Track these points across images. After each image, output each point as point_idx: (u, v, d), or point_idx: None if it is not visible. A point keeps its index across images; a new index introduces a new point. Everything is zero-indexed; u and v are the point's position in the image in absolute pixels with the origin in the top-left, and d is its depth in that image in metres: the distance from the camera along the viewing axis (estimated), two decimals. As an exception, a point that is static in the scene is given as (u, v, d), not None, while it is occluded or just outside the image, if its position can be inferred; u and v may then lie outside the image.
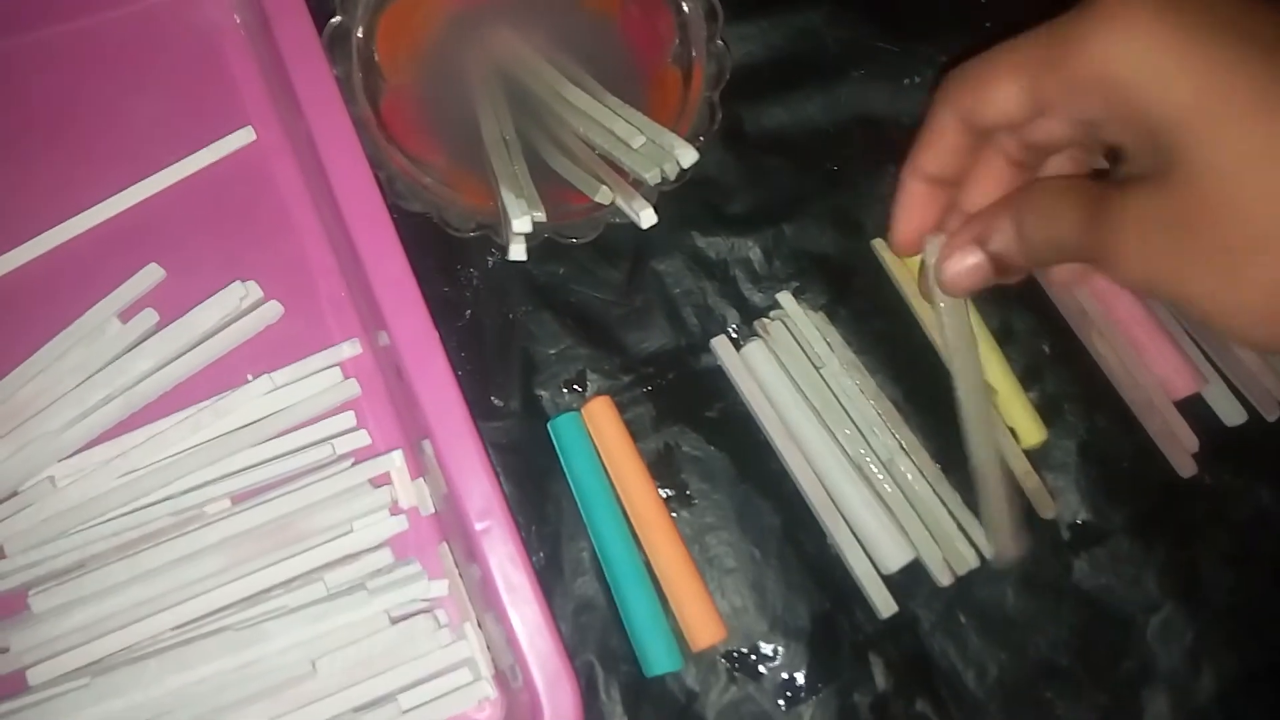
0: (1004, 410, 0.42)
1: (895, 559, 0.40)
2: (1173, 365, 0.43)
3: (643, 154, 0.39)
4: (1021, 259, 0.31)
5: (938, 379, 0.43)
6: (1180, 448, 0.43)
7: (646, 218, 0.38)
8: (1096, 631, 0.41)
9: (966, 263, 0.32)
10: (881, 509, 0.40)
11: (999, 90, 0.30)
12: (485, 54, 0.43)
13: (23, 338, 0.40)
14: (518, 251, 0.38)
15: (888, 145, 0.46)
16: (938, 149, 0.33)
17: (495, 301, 0.43)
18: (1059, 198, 0.29)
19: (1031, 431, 0.42)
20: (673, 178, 0.39)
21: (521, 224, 0.37)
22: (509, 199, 0.37)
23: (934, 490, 0.40)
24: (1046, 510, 0.42)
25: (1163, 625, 0.41)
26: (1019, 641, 0.40)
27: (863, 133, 0.46)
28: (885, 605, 0.40)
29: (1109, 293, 0.43)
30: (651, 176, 0.38)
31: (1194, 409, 0.43)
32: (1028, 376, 0.43)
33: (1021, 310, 0.45)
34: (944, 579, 0.40)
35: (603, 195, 0.38)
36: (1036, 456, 0.42)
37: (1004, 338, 0.44)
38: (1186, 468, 0.43)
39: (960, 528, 0.40)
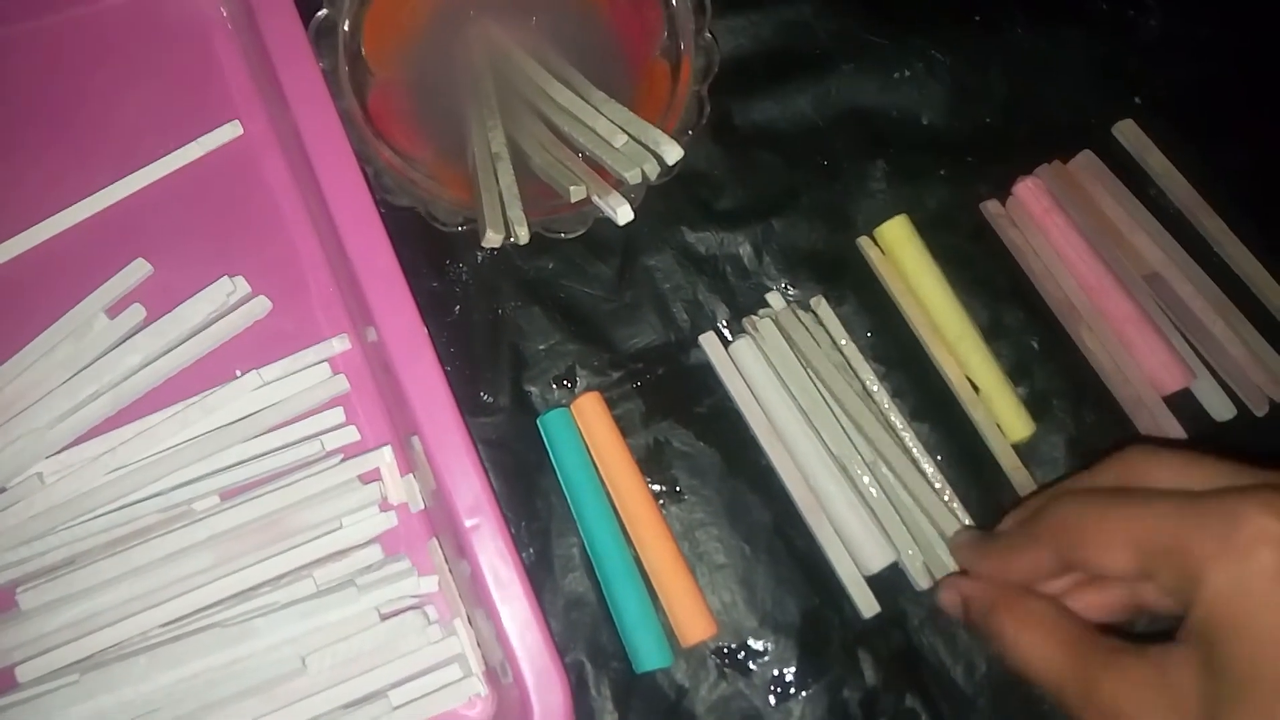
0: (991, 405, 0.42)
1: (877, 560, 0.40)
2: (1161, 360, 0.43)
3: (624, 153, 0.38)
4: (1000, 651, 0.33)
5: (925, 376, 0.43)
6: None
7: (623, 214, 0.38)
8: (1084, 626, 0.41)
9: (945, 597, 0.37)
10: (865, 510, 0.40)
11: (1112, 556, 0.30)
12: (471, 49, 0.42)
13: (9, 333, 0.40)
14: (492, 240, 0.38)
15: (878, 139, 0.46)
16: (1024, 569, 0.34)
17: (484, 297, 0.43)
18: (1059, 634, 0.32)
19: (1019, 427, 0.42)
20: (653, 178, 0.39)
21: (490, 240, 0.37)
22: (486, 215, 0.37)
23: (914, 496, 0.40)
24: (1035, 505, 0.42)
25: (1151, 619, 0.41)
26: (1007, 636, 0.40)
27: (853, 126, 0.46)
28: (868, 606, 0.40)
29: (1098, 288, 0.43)
30: (632, 176, 0.38)
31: (1183, 404, 0.43)
32: (1016, 372, 0.43)
33: (1010, 305, 0.45)
34: (923, 582, 0.40)
35: (575, 193, 0.38)
36: (1025, 452, 0.42)
37: (992, 333, 0.44)
38: (1175, 462, 0.43)
39: (940, 534, 0.40)
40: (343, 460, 0.40)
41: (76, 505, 0.38)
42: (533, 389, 0.42)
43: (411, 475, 0.40)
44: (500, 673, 0.36)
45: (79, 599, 0.37)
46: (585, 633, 0.40)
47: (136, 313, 0.40)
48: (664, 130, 0.39)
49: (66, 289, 0.40)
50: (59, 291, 0.40)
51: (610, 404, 0.42)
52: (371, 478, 0.40)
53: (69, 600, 0.37)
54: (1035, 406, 0.43)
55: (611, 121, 0.39)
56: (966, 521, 0.41)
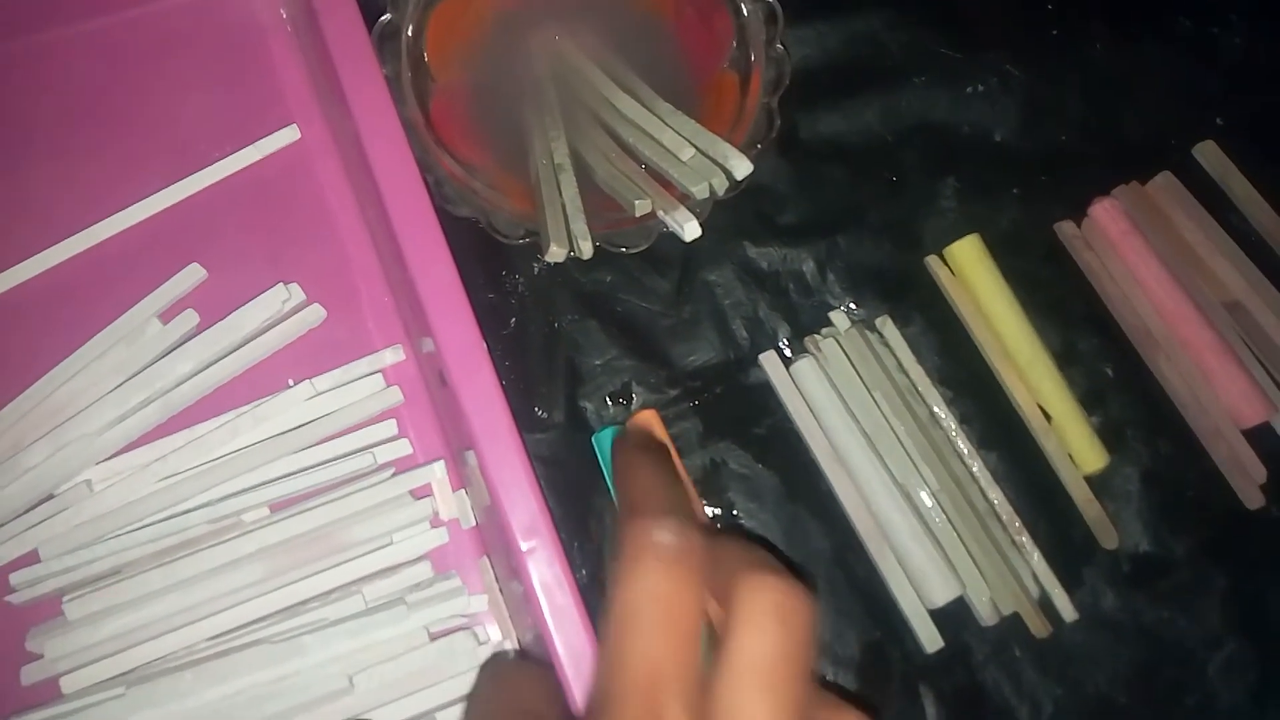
0: (1063, 434, 0.41)
1: (941, 593, 0.38)
2: (1242, 392, 0.41)
3: (691, 167, 0.37)
4: None
5: (994, 402, 0.42)
6: (1247, 477, 0.41)
7: (690, 230, 0.37)
8: (1157, 668, 0.39)
9: None
10: (929, 541, 0.39)
11: None
12: (534, 56, 0.41)
13: (61, 337, 0.39)
14: (555, 254, 0.37)
15: (949, 155, 0.45)
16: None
17: (541, 310, 0.42)
18: None
19: (1092, 457, 0.41)
20: (721, 193, 0.38)
21: (553, 255, 0.36)
22: (549, 229, 0.36)
23: (981, 527, 0.39)
24: (1108, 541, 0.40)
25: (1226, 662, 0.40)
26: (1076, 677, 0.39)
27: (923, 142, 0.45)
28: (931, 641, 0.38)
29: (1177, 315, 0.42)
30: (699, 191, 0.37)
31: (1263, 438, 0.41)
32: (1089, 400, 0.42)
33: (1084, 331, 0.43)
34: (989, 619, 0.39)
35: (640, 207, 0.37)
36: (1097, 483, 0.41)
37: (1065, 360, 0.42)
38: (1253, 499, 0.41)
39: (1009, 567, 0.39)
40: (394, 474, 0.39)
41: (124, 514, 0.37)
42: (588, 405, 0.41)
43: (464, 491, 0.39)
44: (551, 698, 0.35)
45: (125, 610, 0.36)
46: (637, 658, 0.38)
47: (190, 318, 0.39)
48: (732, 144, 0.37)
49: (120, 293, 0.40)
50: (112, 295, 0.40)
51: (666, 423, 0.40)
52: (423, 493, 0.39)
53: (115, 611, 0.36)
54: (1109, 437, 0.41)
55: (678, 134, 0.38)
56: (1036, 556, 0.39)
